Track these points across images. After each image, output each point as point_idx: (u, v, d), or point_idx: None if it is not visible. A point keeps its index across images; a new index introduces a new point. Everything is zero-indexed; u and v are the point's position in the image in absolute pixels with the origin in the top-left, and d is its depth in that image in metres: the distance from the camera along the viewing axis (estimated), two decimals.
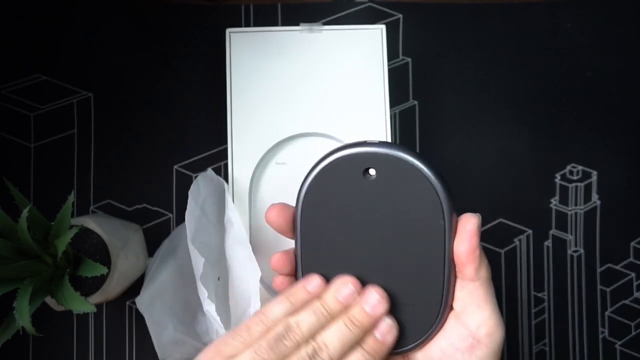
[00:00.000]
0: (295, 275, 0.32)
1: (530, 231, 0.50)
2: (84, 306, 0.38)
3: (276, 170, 0.43)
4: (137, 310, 0.48)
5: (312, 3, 0.51)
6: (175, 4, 0.51)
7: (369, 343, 0.29)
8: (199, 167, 0.49)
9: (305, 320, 0.29)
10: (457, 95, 0.51)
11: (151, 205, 0.49)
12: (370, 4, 0.51)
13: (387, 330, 0.30)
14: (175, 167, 0.49)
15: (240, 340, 0.29)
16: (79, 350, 0.48)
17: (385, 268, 0.30)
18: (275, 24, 0.51)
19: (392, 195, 0.29)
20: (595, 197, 0.50)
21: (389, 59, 0.48)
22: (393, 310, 0.30)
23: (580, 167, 0.51)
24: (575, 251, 0.50)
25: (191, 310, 0.44)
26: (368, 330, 0.29)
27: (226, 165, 0.46)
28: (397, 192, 0.29)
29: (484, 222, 0.50)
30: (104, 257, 0.41)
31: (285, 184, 0.43)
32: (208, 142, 0.50)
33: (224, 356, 0.29)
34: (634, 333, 0.50)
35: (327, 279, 0.30)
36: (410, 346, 0.30)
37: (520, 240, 0.50)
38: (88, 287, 0.41)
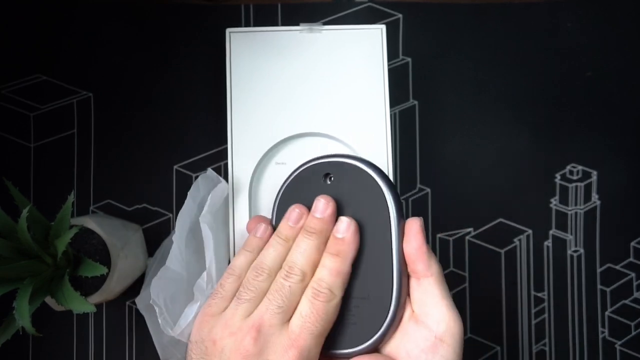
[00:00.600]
0: None
1: (530, 231, 0.50)
2: (84, 306, 0.38)
3: (276, 170, 0.43)
4: (137, 310, 0.48)
5: (312, 3, 0.51)
6: (175, 4, 0.51)
7: (332, 245, 0.32)
8: (199, 167, 0.49)
9: (267, 256, 0.33)
10: (457, 95, 0.51)
11: (151, 205, 0.49)
12: (370, 4, 0.51)
13: (345, 227, 0.32)
14: (175, 167, 0.49)
15: (220, 297, 0.33)
16: (79, 350, 0.48)
17: None
18: (275, 24, 0.51)
19: (347, 197, 0.34)
20: (595, 197, 0.50)
21: (389, 59, 0.48)
22: (349, 304, 0.33)
23: (580, 167, 0.51)
24: (575, 251, 0.50)
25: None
26: (325, 234, 0.32)
27: (226, 165, 0.46)
28: (352, 195, 0.33)
29: (484, 222, 0.50)
30: (104, 257, 0.41)
31: None
32: (208, 142, 0.50)
33: (211, 315, 0.32)
34: (634, 333, 0.50)
35: None
36: (370, 342, 0.32)
37: (520, 240, 0.50)
38: (88, 287, 0.41)
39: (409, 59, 0.51)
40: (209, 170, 0.42)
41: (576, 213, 0.50)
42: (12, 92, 0.49)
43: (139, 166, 0.49)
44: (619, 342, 0.50)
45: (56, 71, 0.50)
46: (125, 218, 0.48)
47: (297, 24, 0.44)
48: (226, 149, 0.42)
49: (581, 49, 0.51)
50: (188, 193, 0.40)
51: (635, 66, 0.51)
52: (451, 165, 0.50)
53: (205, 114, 0.50)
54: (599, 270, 0.50)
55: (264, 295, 0.31)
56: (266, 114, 0.43)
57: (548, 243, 0.50)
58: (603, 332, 0.50)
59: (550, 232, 0.50)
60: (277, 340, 0.30)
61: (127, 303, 0.48)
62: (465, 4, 0.51)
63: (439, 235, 0.49)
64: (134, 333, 0.48)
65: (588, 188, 0.50)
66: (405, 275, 0.32)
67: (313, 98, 0.43)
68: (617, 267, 0.50)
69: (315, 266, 0.32)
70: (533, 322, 0.50)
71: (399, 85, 0.51)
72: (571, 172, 0.51)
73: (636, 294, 0.50)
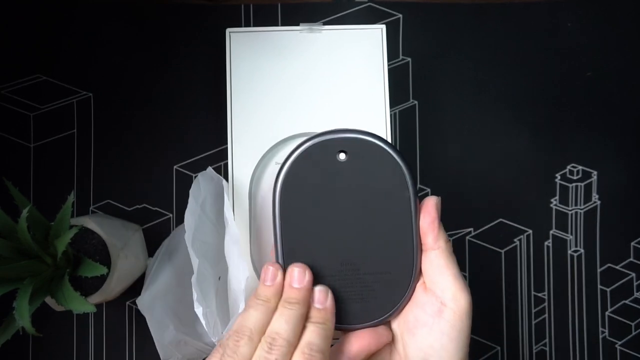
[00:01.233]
0: (275, 257, 0.34)
1: (530, 231, 0.50)
2: (84, 306, 0.38)
3: (276, 170, 0.43)
4: (137, 310, 0.48)
5: (312, 3, 0.51)
6: (175, 4, 0.51)
7: (314, 315, 0.32)
8: (199, 167, 0.49)
9: (248, 318, 0.32)
10: (457, 95, 0.51)
11: (151, 205, 0.49)
12: (370, 3, 0.51)
13: (322, 297, 0.33)
14: (175, 167, 0.49)
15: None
16: (79, 350, 0.48)
17: (361, 241, 0.33)
18: (275, 24, 0.51)
19: (363, 176, 0.33)
20: (595, 197, 0.50)
21: (389, 59, 0.48)
22: (369, 279, 0.33)
23: (580, 167, 0.51)
24: (575, 251, 0.50)
25: (192, 310, 0.44)
26: (306, 302, 0.32)
27: (226, 165, 0.46)
28: (369, 173, 0.33)
29: (484, 222, 0.50)
30: (104, 257, 0.41)
31: None
32: (208, 142, 0.50)
33: None
34: (634, 333, 0.50)
35: (308, 257, 0.33)
36: (391, 312, 0.34)
37: (520, 240, 0.50)
38: (88, 287, 0.41)
39: (409, 59, 0.51)
40: (209, 169, 0.42)
41: (576, 213, 0.50)
42: (12, 92, 0.49)
43: (139, 166, 0.49)
44: (619, 342, 0.50)
45: (56, 71, 0.50)
46: (125, 218, 0.48)
47: (297, 24, 0.44)
48: (226, 149, 0.42)
49: (581, 49, 0.51)
50: (189, 192, 0.40)
51: (635, 66, 0.51)
52: (451, 165, 0.50)
53: (205, 114, 0.50)
54: (599, 270, 0.50)
55: None
56: (266, 114, 0.43)
57: (548, 243, 0.50)
58: (603, 332, 0.50)
59: (551, 232, 0.50)
60: None
61: (127, 303, 0.48)
62: (465, 4, 0.51)
63: None
64: (134, 333, 0.48)
65: (588, 188, 0.50)
66: (420, 250, 0.33)
67: (313, 98, 0.43)
68: (618, 267, 0.50)
69: (299, 332, 0.31)
70: (533, 322, 0.50)
71: (399, 85, 0.51)
72: (571, 172, 0.51)
73: (636, 294, 0.50)
